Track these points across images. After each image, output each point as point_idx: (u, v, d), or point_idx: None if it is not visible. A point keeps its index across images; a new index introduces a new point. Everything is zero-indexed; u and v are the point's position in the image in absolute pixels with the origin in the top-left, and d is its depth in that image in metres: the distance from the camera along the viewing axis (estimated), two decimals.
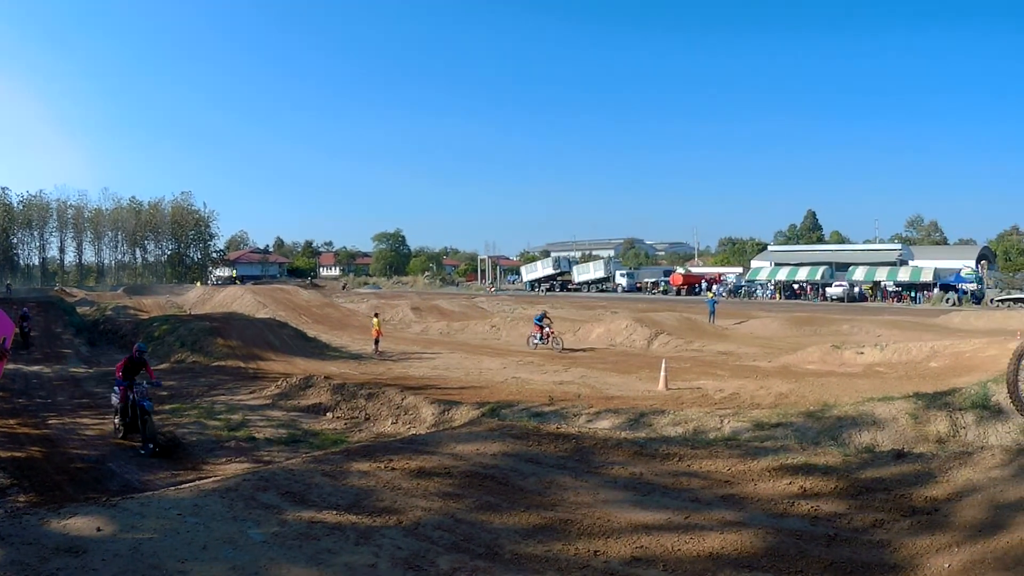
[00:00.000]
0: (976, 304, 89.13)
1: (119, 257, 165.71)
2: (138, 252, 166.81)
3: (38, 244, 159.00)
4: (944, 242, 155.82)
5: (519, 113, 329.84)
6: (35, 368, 35.92)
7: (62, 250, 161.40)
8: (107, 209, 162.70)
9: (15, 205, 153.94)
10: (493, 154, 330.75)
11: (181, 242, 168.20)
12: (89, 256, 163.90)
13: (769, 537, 9.51)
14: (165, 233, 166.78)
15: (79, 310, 62.95)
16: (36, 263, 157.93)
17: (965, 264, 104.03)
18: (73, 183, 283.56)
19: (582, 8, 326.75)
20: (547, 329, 46.82)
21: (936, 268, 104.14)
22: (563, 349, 44.88)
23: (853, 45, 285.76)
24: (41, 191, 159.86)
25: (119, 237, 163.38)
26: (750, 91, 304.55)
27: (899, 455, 12.55)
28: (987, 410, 15.97)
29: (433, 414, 22.27)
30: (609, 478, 12.13)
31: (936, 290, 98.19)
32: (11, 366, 35.96)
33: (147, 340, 42.47)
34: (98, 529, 8.61)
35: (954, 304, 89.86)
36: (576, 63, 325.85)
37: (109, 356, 41.73)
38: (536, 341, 46.59)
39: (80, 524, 8.70)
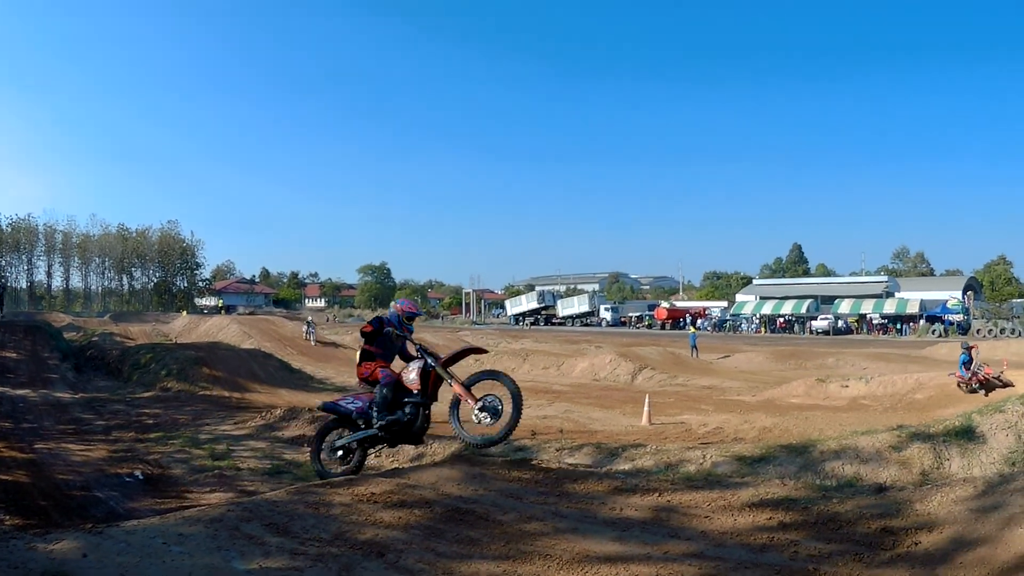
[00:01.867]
0: (962, 335, 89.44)
1: (106, 283, 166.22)
2: (125, 279, 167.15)
3: (25, 267, 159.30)
4: (930, 273, 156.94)
5: (504, 152, 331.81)
6: (21, 392, 35.72)
7: (49, 274, 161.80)
8: (95, 235, 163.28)
9: (3, 227, 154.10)
10: (479, 189, 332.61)
11: (167, 270, 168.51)
12: (76, 281, 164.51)
13: (747, 571, 9.47)
14: (152, 261, 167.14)
15: (65, 335, 62.82)
16: (23, 286, 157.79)
17: (951, 295, 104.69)
18: (62, 208, 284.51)
19: (564, 56, 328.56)
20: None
21: (922, 299, 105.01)
22: None
23: (837, 86, 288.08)
24: (30, 215, 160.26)
25: (106, 263, 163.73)
26: (734, 130, 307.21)
27: (880, 488, 12.54)
28: (971, 442, 15.97)
29: (416, 447, 22.17)
30: (589, 512, 12.06)
31: (922, 322, 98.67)
32: None
33: (133, 367, 42.63)
34: (84, 555, 8.53)
35: (940, 335, 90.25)
36: (560, 108, 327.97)
37: (95, 383, 41.63)
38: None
39: (66, 549, 8.65)
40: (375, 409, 14.93)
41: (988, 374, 33.21)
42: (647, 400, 30.44)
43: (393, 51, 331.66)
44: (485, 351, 19.76)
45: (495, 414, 14.54)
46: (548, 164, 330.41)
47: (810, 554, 10.07)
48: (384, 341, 15.72)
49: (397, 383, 15.15)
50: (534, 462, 16.26)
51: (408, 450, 22.01)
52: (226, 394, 37.39)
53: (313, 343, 53.14)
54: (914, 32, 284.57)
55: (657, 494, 12.86)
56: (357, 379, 15.72)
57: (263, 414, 27.85)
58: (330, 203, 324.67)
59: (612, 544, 10.59)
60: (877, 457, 15.58)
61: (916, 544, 10.05)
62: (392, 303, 16.32)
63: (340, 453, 15.47)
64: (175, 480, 19.77)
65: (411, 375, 15.14)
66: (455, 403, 15.15)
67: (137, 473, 19.92)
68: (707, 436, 25.21)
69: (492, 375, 15.00)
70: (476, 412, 14.57)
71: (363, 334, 15.47)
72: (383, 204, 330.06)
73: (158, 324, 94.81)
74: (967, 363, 33.81)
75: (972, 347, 33.69)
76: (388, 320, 15.88)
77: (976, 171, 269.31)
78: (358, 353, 15.47)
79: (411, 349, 15.71)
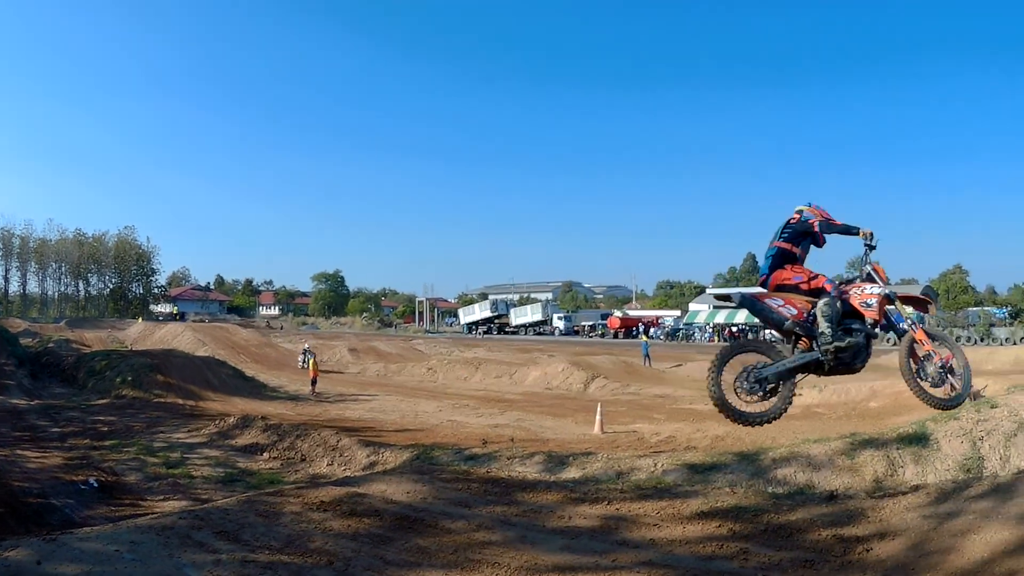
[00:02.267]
0: None
1: (62, 289, 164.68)
2: (81, 285, 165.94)
3: None
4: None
5: (458, 160, 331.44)
6: None
7: (6, 279, 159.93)
8: (52, 240, 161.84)
9: None
10: (433, 198, 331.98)
11: (124, 276, 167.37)
12: (32, 287, 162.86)
13: None
14: (108, 267, 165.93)
15: (21, 341, 62.34)
16: None
17: None
18: (18, 212, 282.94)
19: (517, 65, 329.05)
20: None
21: None
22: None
23: (790, 96, 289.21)
24: None
25: (63, 269, 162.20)
26: (687, 139, 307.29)
27: (832, 496, 12.54)
28: (926, 449, 16.00)
29: (367, 456, 22.13)
30: (538, 521, 12.08)
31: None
32: None
33: (89, 374, 42.43)
34: (38, 563, 8.47)
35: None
36: (514, 117, 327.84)
37: (51, 389, 41.43)
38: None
39: (21, 557, 8.56)
40: (827, 323, 11.43)
41: None
42: (599, 409, 30.44)
43: (347, 60, 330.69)
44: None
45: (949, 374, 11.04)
46: (502, 173, 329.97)
47: (760, 562, 10.07)
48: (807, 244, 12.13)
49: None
50: (484, 471, 16.14)
51: (360, 458, 22.00)
52: (180, 401, 37.25)
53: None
54: (865, 42, 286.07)
55: (607, 503, 12.83)
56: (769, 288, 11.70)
57: (217, 422, 27.77)
58: (285, 211, 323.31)
59: (561, 553, 10.56)
60: (829, 464, 15.58)
61: (868, 551, 10.03)
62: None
63: (762, 385, 11.67)
64: (130, 488, 19.76)
65: (870, 298, 12.15)
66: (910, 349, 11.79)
67: (92, 480, 19.85)
68: (659, 445, 25.22)
69: (941, 338, 12.01)
70: (937, 369, 11.14)
71: (789, 226, 11.96)
72: (337, 212, 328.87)
73: (114, 330, 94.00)
74: None
75: None
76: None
77: (931, 179, 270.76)
78: (773, 257, 11.71)
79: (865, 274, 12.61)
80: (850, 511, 11.40)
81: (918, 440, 16.18)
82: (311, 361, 46.39)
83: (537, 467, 16.72)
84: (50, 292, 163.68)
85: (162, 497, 18.57)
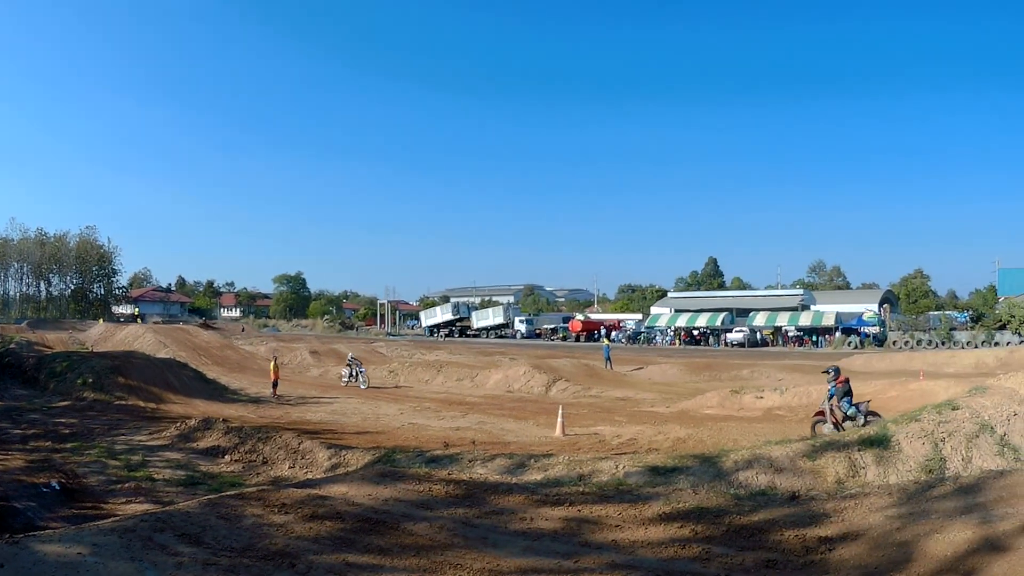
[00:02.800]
0: (879, 347, 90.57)
1: (24, 289, 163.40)
2: (43, 285, 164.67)
3: None
4: (847, 287, 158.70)
5: (420, 164, 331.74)
6: None
7: None
8: (14, 239, 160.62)
9: None
10: (394, 201, 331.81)
11: (85, 277, 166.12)
12: None
13: None
14: (69, 267, 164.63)
15: None
16: None
17: (867, 308, 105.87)
18: None
19: (476, 75, 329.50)
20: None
21: (838, 312, 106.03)
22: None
23: (753, 106, 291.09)
24: None
25: (24, 269, 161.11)
26: (649, 145, 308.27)
27: (793, 497, 12.56)
28: (887, 450, 16.05)
29: (329, 458, 22.03)
30: (499, 523, 12.05)
31: (838, 334, 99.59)
32: None
33: (50, 375, 42.09)
34: (1, 566, 8.40)
35: (856, 347, 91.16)
36: (474, 123, 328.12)
37: (12, 391, 40.89)
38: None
39: None
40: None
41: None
42: (561, 412, 30.34)
43: (301, 66, 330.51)
44: None
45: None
46: (464, 177, 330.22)
47: (723, 563, 10.05)
48: None
49: None
50: (446, 473, 16.05)
51: (322, 461, 21.91)
52: (141, 404, 36.87)
53: (364, 386, 49.21)
54: (826, 49, 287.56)
55: (569, 505, 12.81)
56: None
57: (178, 425, 27.49)
58: (246, 212, 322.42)
59: (524, 555, 10.53)
60: (791, 466, 15.60)
61: (831, 551, 10.04)
62: None
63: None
64: (91, 490, 19.51)
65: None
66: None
67: (54, 483, 19.65)
68: (621, 447, 25.20)
69: None
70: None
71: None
72: (298, 214, 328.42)
73: (75, 332, 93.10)
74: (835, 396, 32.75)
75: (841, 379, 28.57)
76: None
77: (892, 187, 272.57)
78: None
79: None
80: (813, 512, 11.42)
81: (880, 442, 16.24)
82: (273, 363, 46.03)
83: (499, 469, 16.70)
84: (11, 292, 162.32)
85: (124, 500, 18.33)
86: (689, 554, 10.37)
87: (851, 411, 24.89)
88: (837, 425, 24.32)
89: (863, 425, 22.58)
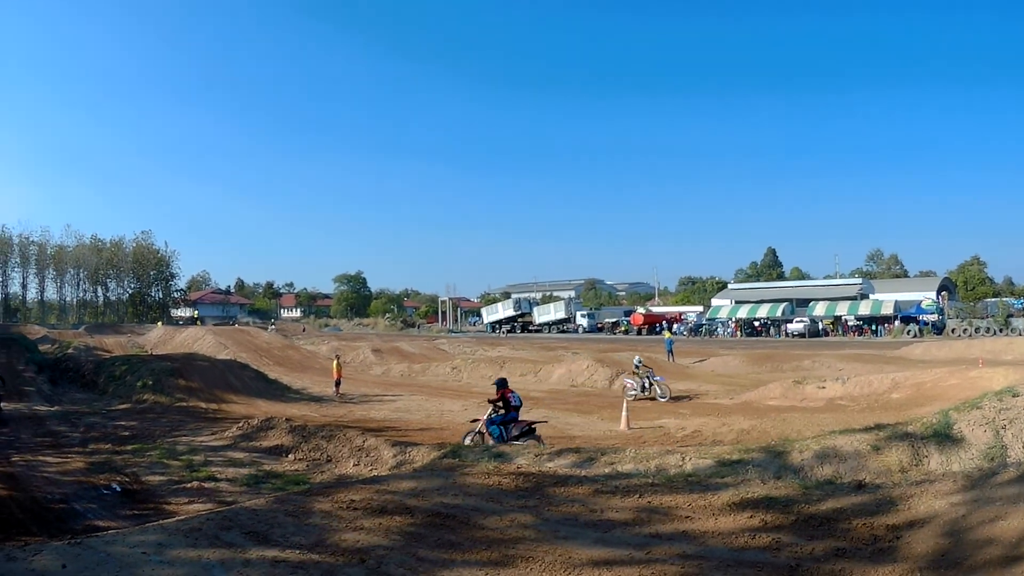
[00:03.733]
0: (937, 335, 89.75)
1: (81, 295, 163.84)
2: (99, 290, 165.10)
3: (0, 279, 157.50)
4: (905, 275, 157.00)
5: (480, 161, 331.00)
6: None
7: (24, 286, 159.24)
8: (69, 246, 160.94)
9: None
10: (454, 198, 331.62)
11: (142, 281, 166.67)
12: (51, 293, 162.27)
13: (729, 569, 9.47)
14: (126, 272, 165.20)
15: (40, 347, 62.43)
16: None
17: (925, 296, 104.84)
18: (36, 219, 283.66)
19: (538, 71, 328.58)
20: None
21: (897, 301, 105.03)
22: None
23: (812, 95, 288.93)
24: (3, 226, 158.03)
25: (81, 275, 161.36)
26: (709, 137, 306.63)
27: (860, 486, 12.54)
28: (949, 439, 15.96)
29: (394, 455, 22.16)
30: (570, 515, 12.08)
31: (897, 322, 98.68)
32: None
33: (109, 379, 42.42)
34: (63, 567, 8.42)
35: (915, 336, 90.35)
36: (535, 118, 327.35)
37: (71, 395, 41.44)
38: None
39: (46, 561, 8.52)
40: None
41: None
42: (625, 405, 30.40)
43: (364, 67, 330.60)
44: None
45: None
46: (523, 173, 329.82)
47: (792, 552, 10.08)
48: None
49: None
50: (514, 467, 16.13)
51: (387, 458, 22.00)
52: (203, 405, 37.24)
53: (663, 398, 44.22)
54: (882, 41, 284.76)
55: (638, 496, 12.85)
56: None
57: (240, 424, 27.64)
58: (305, 212, 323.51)
59: (595, 546, 10.56)
60: (855, 456, 15.54)
61: (898, 539, 10.07)
62: None
63: None
64: (153, 491, 19.63)
65: None
66: None
67: (115, 485, 19.81)
68: (686, 439, 25.20)
69: None
70: None
71: None
72: (358, 214, 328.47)
73: (133, 335, 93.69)
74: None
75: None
76: None
77: (949, 174, 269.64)
78: None
79: None
80: (879, 500, 11.40)
81: (942, 430, 16.15)
82: (336, 362, 46.06)
83: (567, 463, 16.71)
84: (68, 298, 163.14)
85: (186, 500, 18.48)
86: (759, 544, 10.42)
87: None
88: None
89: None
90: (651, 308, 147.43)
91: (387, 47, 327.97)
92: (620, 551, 10.32)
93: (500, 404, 23.65)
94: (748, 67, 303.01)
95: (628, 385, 40.50)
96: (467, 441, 23.14)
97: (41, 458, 23.75)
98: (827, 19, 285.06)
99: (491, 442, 22.08)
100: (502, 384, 24.49)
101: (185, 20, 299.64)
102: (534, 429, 23.34)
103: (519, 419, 23.87)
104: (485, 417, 23.75)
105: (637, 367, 41.33)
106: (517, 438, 22.38)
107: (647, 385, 39.74)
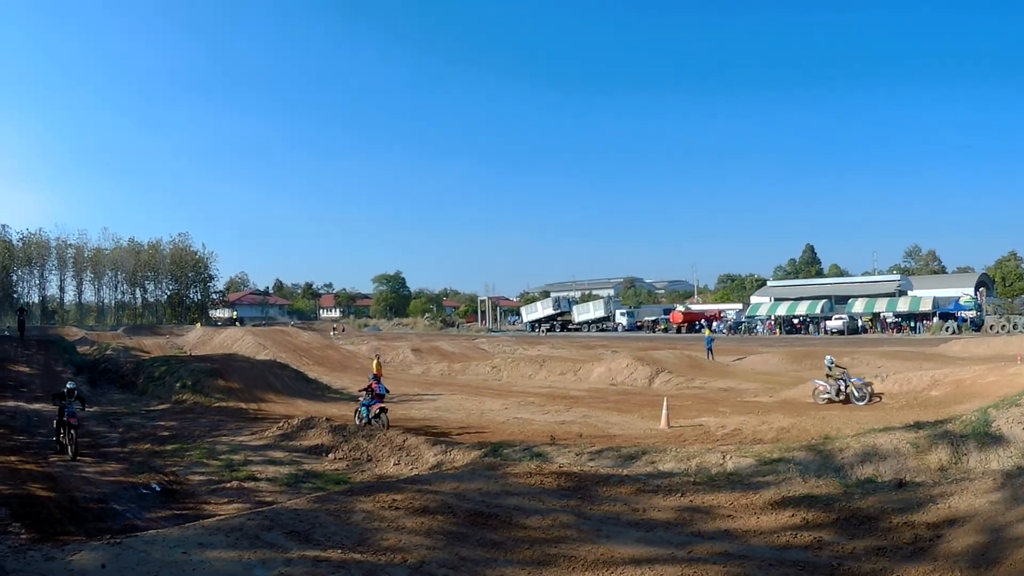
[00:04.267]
0: (975, 331, 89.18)
1: (119, 297, 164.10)
2: (138, 292, 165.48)
3: (37, 282, 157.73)
4: (942, 271, 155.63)
5: (518, 160, 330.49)
6: (36, 406, 35.69)
7: (62, 288, 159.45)
8: (107, 249, 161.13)
9: (15, 242, 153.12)
10: (493, 198, 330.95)
11: (180, 283, 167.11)
12: (89, 295, 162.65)
13: (772, 568, 9.52)
14: (164, 273, 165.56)
15: (79, 349, 62.61)
16: (35, 301, 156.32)
17: (964, 292, 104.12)
18: (73, 222, 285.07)
19: (573, 70, 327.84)
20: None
21: (935, 297, 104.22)
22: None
23: (847, 91, 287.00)
24: (41, 229, 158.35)
25: (118, 277, 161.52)
26: (746, 134, 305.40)
27: (900, 484, 12.60)
28: (988, 436, 15.92)
29: (435, 454, 22.22)
30: (612, 514, 12.15)
31: (935, 319, 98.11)
32: (11, 403, 35.98)
33: (148, 380, 42.71)
34: (103, 566, 8.53)
35: (953, 332, 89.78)
36: (570, 117, 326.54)
37: (109, 396, 41.62)
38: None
39: (85, 560, 8.64)
40: None
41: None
42: (665, 403, 30.23)
43: (401, 67, 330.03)
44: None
45: None
46: (562, 172, 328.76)
47: (833, 550, 10.15)
48: None
49: None
50: (555, 466, 16.16)
51: (428, 457, 22.07)
52: (242, 405, 37.44)
53: (862, 402, 42.03)
54: (919, 38, 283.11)
55: (680, 495, 12.94)
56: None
57: (280, 424, 27.78)
58: (344, 213, 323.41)
59: (637, 545, 10.66)
60: (895, 454, 15.54)
61: (938, 537, 10.12)
62: None
63: None
64: (193, 491, 19.82)
65: None
66: None
67: (154, 484, 19.98)
68: (726, 438, 25.12)
69: None
70: None
71: None
72: (398, 213, 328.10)
73: (172, 337, 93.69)
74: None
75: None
76: None
77: (986, 169, 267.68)
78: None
79: None
80: (919, 498, 11.44)
81: (980, 428, 16.14)
82: (376, 362, 46.18)
83: (608, 462, 16.79)
84: (106, 300, 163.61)
85: (226, 500, 18.63)
86: (801, 542, 10.50)
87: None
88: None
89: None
90: (690, 306, 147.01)
91: (425, 46, 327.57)
92: (662, 550, 10.40)
93: (367, 391, 30.26)
94: (786, 62, 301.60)
95: (819, 388, 35.06)
96: (356, 420, 29.27)
97: (80, 458, 23.94)
98: (864, 12, 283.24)
99: (361, 419, 29.08)
100: (373, 378, 31.62)
101: (222, 22, 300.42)
102: (385, 411, 29.20)
103: (381, 404, 29.50)
104: (360, 402, 30.22)
105: (830, 368, 35.31)
106: (376, 417, 28.68)
107: (842, 388, 34.12)
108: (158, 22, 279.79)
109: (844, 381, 34.38)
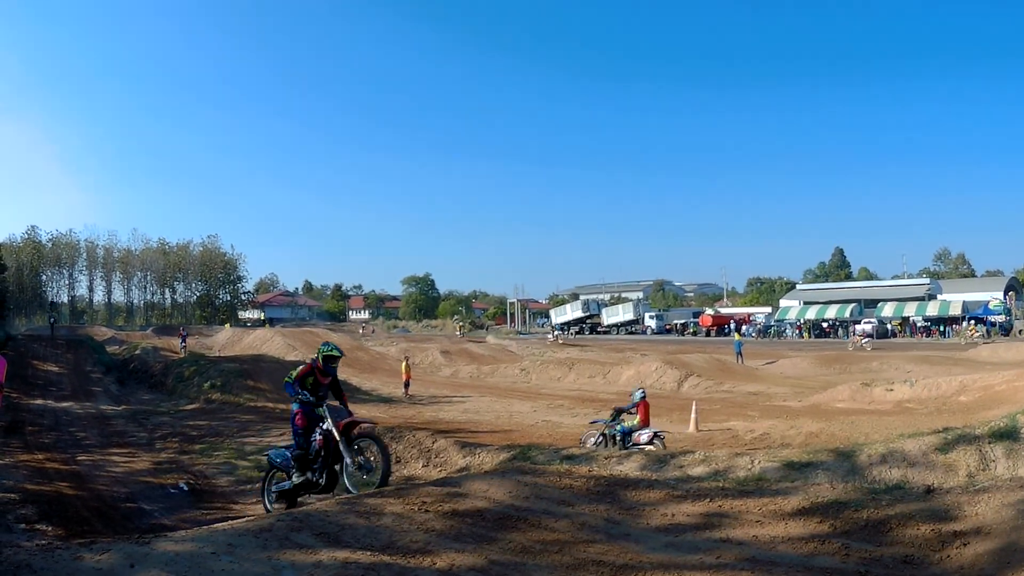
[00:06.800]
0: (1005, 336, 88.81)
1: (148, 297, 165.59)
2: (167, 293, 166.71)
3: (67, 282, 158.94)
4: (972, 275, 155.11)
5: (547, 161, 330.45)
6: (64, 404, 36.09)
7: (91, 289, 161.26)
8: (136, 250, 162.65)
9: (45, 243, 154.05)
10: (522, 199, 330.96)
11: (210, 284, 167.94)
12: (118, 296, 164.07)
13: (799, 575, 9.55)
14: (194, 274, 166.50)
15: (108, 349, 63.07)
16: (65, 301, 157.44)
17: (993, 296, 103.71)
18: (102, 223, 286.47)
19: (602, 66, 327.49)
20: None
21: (964, 301, 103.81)
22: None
23: (876, 91, 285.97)
24: (71, 230, 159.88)
25: (148, 277, 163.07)
26: (775, 136, 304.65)
27: (929, 490, 12.56)
28: (1016, 442, 15.89)
29: (463, 457, 22.21)
30: (641, 519, 12.21)
31: (965, 323, 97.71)
32: (39, 401, 36.25)
33: (177, 380, 42.88)
34: (131, 566, 8.55)
35: (982, 337, 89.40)
36: (602, 117, 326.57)
37: (138, 396, 42.14)
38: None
39: (113, 560, 8.65)
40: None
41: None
42: (694, 407, 30.40)
43: (434, 63, 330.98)
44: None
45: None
46: (591, 173, 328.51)
47: (861, 557, 10.17)
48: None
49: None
50: (585, 470, 16.22)
51: (456, 459, 22.09)
52: (271, 406, 37.36)
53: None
54: (953, 37, 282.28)
55: (708, 500, 12.96)
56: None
57: None
58: (373, 215, 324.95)
59: (665, 550, 10.72)
60: (923, 460, 15.50)
61: (965, 546, 10.13)
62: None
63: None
64: (221, 491, 20.12)
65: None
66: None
67: (182, 484, 20.24)
68: (754, 442, 25.16)
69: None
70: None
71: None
72: (427, 215, 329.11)
73: (201, 337, 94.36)
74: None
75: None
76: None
77: (1015, 172, 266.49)
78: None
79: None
80: (947, 506, 11.41)
81: (1009, 434, 16.07)
82: (405, 363, 46.28)
83: (636, 465, 16.77)
84: (136, 301, 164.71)
85: (254, 500, 18.59)
86: (829, 549, 10.49)
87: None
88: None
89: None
90: (719, 309, 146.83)
91: (456, 42, 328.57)
92: (690, 556, 10.43)
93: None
94: (811, 57, 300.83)
95: (588, 431, 27.62)
96: (589, 443, 24.83)
97: (108, 457, 24.18)
98: (898, 8, 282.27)
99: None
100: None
101: (254, 19, 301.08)
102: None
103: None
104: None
105: (618, 414, 26.41)
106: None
107: (617, 437, 25.61)
108: (191, 20, 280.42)
109: (620, 431, 25.54)
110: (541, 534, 11.40)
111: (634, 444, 23.70)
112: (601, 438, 24.72)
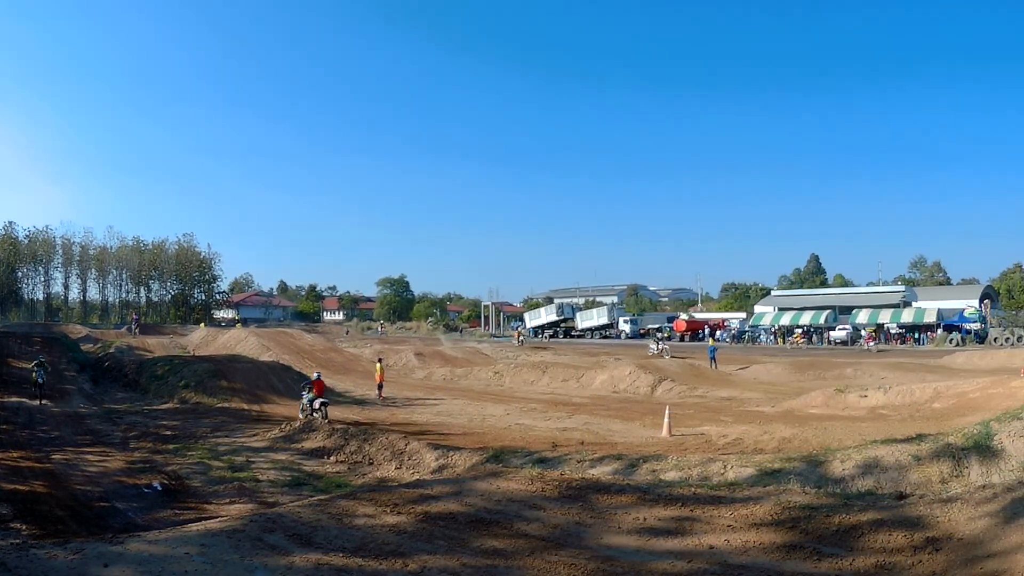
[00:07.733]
0: (979, 344, 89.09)
1: (123, 295, 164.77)
2: (142, 291, 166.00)
3: (42, 279, 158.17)
4: (947, 282, 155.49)
5: (522, 165, 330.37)
6: (39, 403, 35.88)
7: (66, 286, 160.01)
8: (112, 247, 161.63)
9: (21, 240, 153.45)
10: (497, 203, 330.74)
11: (185, 283, 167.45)
12: (93, 293, 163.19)
13: None
14: (169, 273, 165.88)
15: (83, 347, 62.79)
16: (40, 298, 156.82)
17: (968, 304, 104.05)
18: (79, 220, 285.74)
19: (578, 69, 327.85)
20: None
21: (940, 309, 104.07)
22: None
23: (851, 97, 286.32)
24: (47, 227, 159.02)
25: (123, 276, 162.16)
26: (750, 142, 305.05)
27: (901, 496, 12.60)
28: (989, 449, 15.93)
29: (436, 459, 22.25)
30: (613, 523, 12.17)
31: (940, 331, 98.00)
32: (14, 399, 36.09)
33: (151, 379, 42.70)
34: (105, 566, 8.55)
35: (957, 344, 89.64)
36: (576, 121, 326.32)
37: (113, 394, 41.79)
38: None
39: (87, 559, 8.65)
40: None
41: None
42: (667, 412, 30.16)
43: (409, 65, 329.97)
44: None
45: None
46: (566, 178, 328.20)
47: (833, 564, 10.16)
48: None
49: None
50: (557, 474, 16.21)
51: (429, 462, 22.08)
52: (244, 406, 37.45)
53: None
54: (927, 43, 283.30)
55: (680, 505, 12.94)
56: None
57: (282, 426, 27.97)
58: (348, 216, 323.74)
59: (636, 555, 10.69)
60: (896, 466, 15.54)
61: (936, 551, 10.11)
62: None
63: None
64: (194, 491, 19.91)
65: None
66: None
67: (156, 484, 20.10)
68: (727, 447, 25.14)
69: None
70: None
71: None
72: (402, 217, 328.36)
73: (176, 336, 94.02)
74: None
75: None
76: None
77: (991, 180, 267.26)
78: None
79: None
80: (920, 512, 11.43)
81: (982, 441, 16.13)
82: (379, 365, 46.21)
83: (609, 469, 16.80)
84: (111, 299, 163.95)
85: (227, 501, 18.68)
86: (800, 555, 10.50)
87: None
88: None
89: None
90: (694, 314, 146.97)
91: (427, 42, 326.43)
92: (663, 561, 10.43)
93: (308, 387, 33.19)
94: (784, 62, 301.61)
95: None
96: (301, 415, 31.48)
97: (82, 456, 24.09)
98: (871, 13, 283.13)
99: (305, 412, 31.65)
100: (318, 377, 34.58)
101: (228, 16, 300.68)
102: (326, 404, 31.98)
103: (322, 399, 32.26)
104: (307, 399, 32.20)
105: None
106: (317, 410, 31.20)
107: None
108: (168, 18, 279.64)
109: None
110: (513, 537, 11.38)
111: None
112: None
